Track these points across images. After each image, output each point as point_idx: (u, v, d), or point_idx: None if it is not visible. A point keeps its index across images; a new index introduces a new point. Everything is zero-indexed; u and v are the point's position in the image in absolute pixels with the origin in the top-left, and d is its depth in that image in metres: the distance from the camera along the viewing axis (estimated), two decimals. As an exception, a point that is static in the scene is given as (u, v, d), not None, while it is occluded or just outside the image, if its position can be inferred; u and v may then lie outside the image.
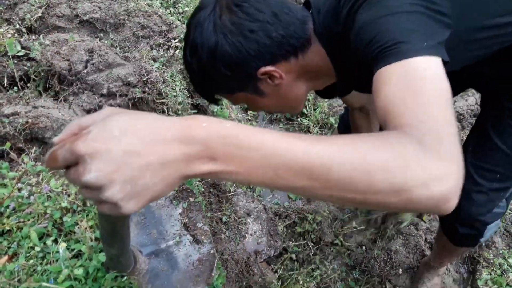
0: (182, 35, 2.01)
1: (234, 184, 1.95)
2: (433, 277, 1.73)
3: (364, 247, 1.89)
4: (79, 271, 1.06)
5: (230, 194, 1.86)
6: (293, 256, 1.84)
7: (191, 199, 1.38)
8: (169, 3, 2.21)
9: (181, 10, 2.23)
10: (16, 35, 1.73)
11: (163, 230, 1.28)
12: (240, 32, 0.82)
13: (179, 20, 2.14)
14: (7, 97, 1.52)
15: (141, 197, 0.44)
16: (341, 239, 1.93)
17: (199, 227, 1.32)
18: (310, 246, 1.92)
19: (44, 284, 1.01)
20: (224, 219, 1.76)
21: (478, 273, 1.86)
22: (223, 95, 0.99)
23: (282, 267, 1.80)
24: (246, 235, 1.80)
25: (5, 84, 1.61)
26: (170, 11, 2.16)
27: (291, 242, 1.91)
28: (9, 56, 1.61)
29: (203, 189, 1.71)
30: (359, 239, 1.94)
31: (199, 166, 0.46)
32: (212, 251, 1.29)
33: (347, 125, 1.76)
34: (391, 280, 1.84)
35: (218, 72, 0.87)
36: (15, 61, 1.62)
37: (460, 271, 1.92)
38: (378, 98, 0.61)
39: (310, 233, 1.96)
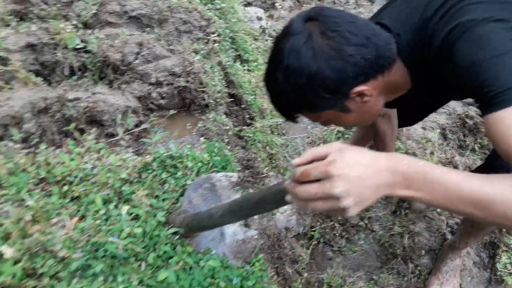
0: (220, 30, 2.17)
1: (266, 167, 2.10)
2: (456, 258, 1.83)
3: (388, 229, 2.01)
4: (138, 230, 1.24)
5: (263, 175, 2.02)
6: (319, 235, 1.98)
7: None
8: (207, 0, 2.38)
9: (218, 6, 2.39)
10: (73, 30, 1.94)
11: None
12: (340, 57, 0.88)
13: (216, 15, 2.30)
14: (69, 85, 1.72)
15: (361, 206, 0.66)
16: (366, 221, 2.06)
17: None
18: (337, 227, 2.05)
19: (110, 239, 1.20)
20: (257, 198, 1.91)
21: (497, 257, 1.94)
22: (307, 114, 1.03)
23: (311, 244, 1.94)
24: (277, 213, 1.95)
25: (66, 73, 1.82)
26: (209, 7, 2.33)
27: (318, 223, 2.04)
28: (69, 49, 1.82)
29: (239, 168, 1.86)
30: (383, 221, 2.06)
31: (398, 191, 0.67)
32: (256, 237, 1.45)
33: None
34: (413, 261, 1.95)
35: (314, 94, 0.93)
36: (74, 53, 1.83)
37: (481, 255, 2.00)
38: (502, 141, 0.75)
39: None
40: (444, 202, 0.67)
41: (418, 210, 2.03)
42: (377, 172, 0.66)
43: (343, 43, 0.87)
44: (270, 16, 3.15)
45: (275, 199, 0.87)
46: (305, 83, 0.90)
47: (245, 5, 2.97)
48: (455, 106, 2.60)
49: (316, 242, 1.98)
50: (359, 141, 1.94)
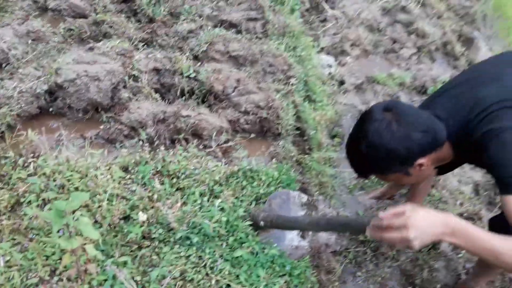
0: (297, 75, 2.67)
1: (316, 191, 2.54)
2: (467, 297, 2.17)
3: (411, 261, 2.37)
4: (223, 218, 1.73)
5: (314, 198, 2.46)
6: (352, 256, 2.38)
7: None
8: (290, 48, 2.90)
9: (298, 54, 2.91)
10: (187, 61, 2.52)
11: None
12: (410, 140, 1.27)
13: (296, 61, 2.81)
14: (181, 104, 2.28)
15: (422, 245, 1.04)
16: (394, 252, 2.43)
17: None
18: (368, 253, 2.44)
19: (205, 221, 1.70)
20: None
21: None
22: (377, 174, 1.46)
23: (344, 262, 2.34)
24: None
25: (178, 94, 2.39)
26: (291, 54, 2.85)
27: (353, 246, 2.45)
28: (183, 75, 2.39)
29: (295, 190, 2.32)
30: (409, 255, 2.42)
31: (446, 238, 1.05)
32: (306, 247, 1.89)
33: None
34: (429, 292, 2.29)
35: (388, 163, 1.33)
36: (187, 79, 2.39)
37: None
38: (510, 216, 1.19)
39: (370, 242, 2.48)
40: (472, 249, 1.06)
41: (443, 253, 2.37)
42: (436, 225, 1.04)
43: (412, 129, 1.27)
44: (339, 63, 3.63)
45: (356, 228, 1.36)
46: (383, 156, 1.30)
47: (319, 51, 3.47)
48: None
49: (348, 261, 2.38)
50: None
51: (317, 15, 4.20)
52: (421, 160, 1.32)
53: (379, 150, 1.29)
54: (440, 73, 3.94)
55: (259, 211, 1.79)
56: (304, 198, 1.95)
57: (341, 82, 3.50)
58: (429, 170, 1.43)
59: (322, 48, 3.72)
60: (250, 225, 1.76)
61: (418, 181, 1.55)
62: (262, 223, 1.72)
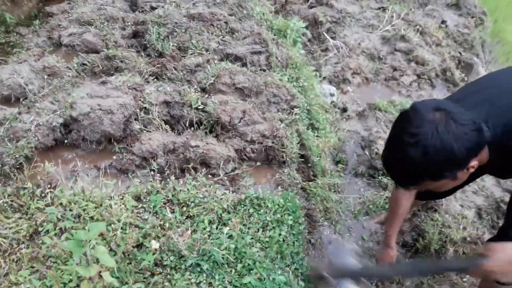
0: (300, 104, 2.78)
1: (322, 217, 2.60)
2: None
3: (417, 285, 2.41)
4: (232, 245, 1.80)
5: (319, 224, 2.52)
6: None
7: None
8: (293, 78, 3.03)
9: (301, 84, 3.03)
10: (195, 92, 2.64)
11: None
12: (470, 140, 1.18)
13: (299, 91, 2.93)
14: (190, 134, 2.39)
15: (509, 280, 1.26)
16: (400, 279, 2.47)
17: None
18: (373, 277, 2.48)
19: (214, 248, 1.76)
20: (312, 241, 2.41)
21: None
22: (427, 181, 1.29)
23: None
24: (326, 257, 2.43)
25: (187, 125, 2.50)
26: (294, 84, 2.97)
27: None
28: (192, 107, 2.51)
29: (303, 219, 2.39)
30: (414, 279, 2.45)
31: None
32: None
33: None
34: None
35: (445, 168, 1.22)
36: (195, 111, 2.50)
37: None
38: None
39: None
40: None
41: None
42: None
43: (470, 129, 1.19)
44: (342, 91, 3.75)
45: (459, 269, 1.54)
46: (442, 159, 1.19)
47: (321, 81, 3.59)
48: (494, 190, 2.98)
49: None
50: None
51: (319, 45, 4.36)
52: (473, 162, 1.24)
53: (438, 153, 1.18)
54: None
55: (319, 262, 1.87)
56: (359, 251, 2.07)
57: (344, 110, 3.61)
58: (468, 174, 1.34)
59: (324, 78, 3.85)
60: (308, 280, 1.84)
61: (461, 183, 1.47)
62: (326, 273, 1.78)
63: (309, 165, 2.75)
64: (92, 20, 3.36)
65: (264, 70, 2.98)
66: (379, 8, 5.34)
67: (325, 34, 4.35)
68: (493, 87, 1.50)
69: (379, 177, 3.07)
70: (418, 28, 4.83)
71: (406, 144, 1.21)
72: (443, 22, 5.53)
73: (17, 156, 2.13)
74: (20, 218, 1.83)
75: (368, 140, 3.32)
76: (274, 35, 3.39)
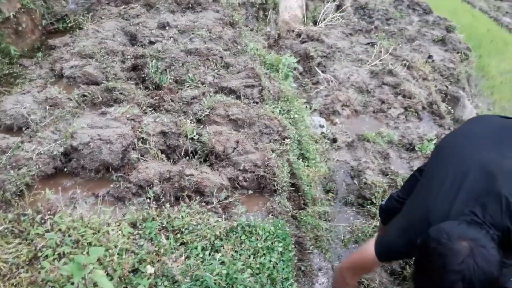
0: (291, 135, 2.91)
1: (312, 245, 2.68)
2: None
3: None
4: (224, 271, 1.88)
5: (309, 251, 2.60)
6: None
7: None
8: (284, 111, 3.18)
9: (292, 116, 3.17)
10: (190, 123, 2.77)
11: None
12: (497, 256, 1.33)
13: (290, 123, 3.06)
14: (185, 163, 2.50)
15: None
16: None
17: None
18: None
19: (207, 274, 1.84)
20: (302, 268, 2.48)
21: None
22: None
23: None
24: (316, 284, 2.50)
25: (182, 154, 2.61)
26: (285, 116, 3.11)
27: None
28: (187, 137, 2.62)
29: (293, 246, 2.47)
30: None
31: None
32: None
33: (388, 214, 2.42)
34: None
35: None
36: (190, 141, 2.62)
37: None
38: None
39: (364, 294, 2.59)
40: None
41: None
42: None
43: (496, 248, 1.34)
44: (331, 122, 3.90)
45: None
46: (487, 285, 1.32)
47: (311, 113, 3.75)
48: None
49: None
50: None
51: (310, 78, 4.56)
52: None
53: (484, 284, 1.30)
54: (426, 131, 4.21)
55: None
56: None
57: (334, 140, 3.75)
58: None
59: (315, 110, 4.02)
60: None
61: None
62: None
63: (300, 193, 2.85)
64: (93, 53, 3.51)
65: (257, 103, 3.12)
66: (368, 44, 5.60)
67: (316, 68, 4.55)
68: (470, 175, 1.55)
69: (368, 206, 3.18)
70: (405, 63, 5.06)
71: (453, 282, 1.31)
72: (430, 57, 5.79)
73: (18, 183, 2.21)
74: (20, 243, 1.90)
75: (357, 169, 3.45)
76: (267, 69, 3.56)
